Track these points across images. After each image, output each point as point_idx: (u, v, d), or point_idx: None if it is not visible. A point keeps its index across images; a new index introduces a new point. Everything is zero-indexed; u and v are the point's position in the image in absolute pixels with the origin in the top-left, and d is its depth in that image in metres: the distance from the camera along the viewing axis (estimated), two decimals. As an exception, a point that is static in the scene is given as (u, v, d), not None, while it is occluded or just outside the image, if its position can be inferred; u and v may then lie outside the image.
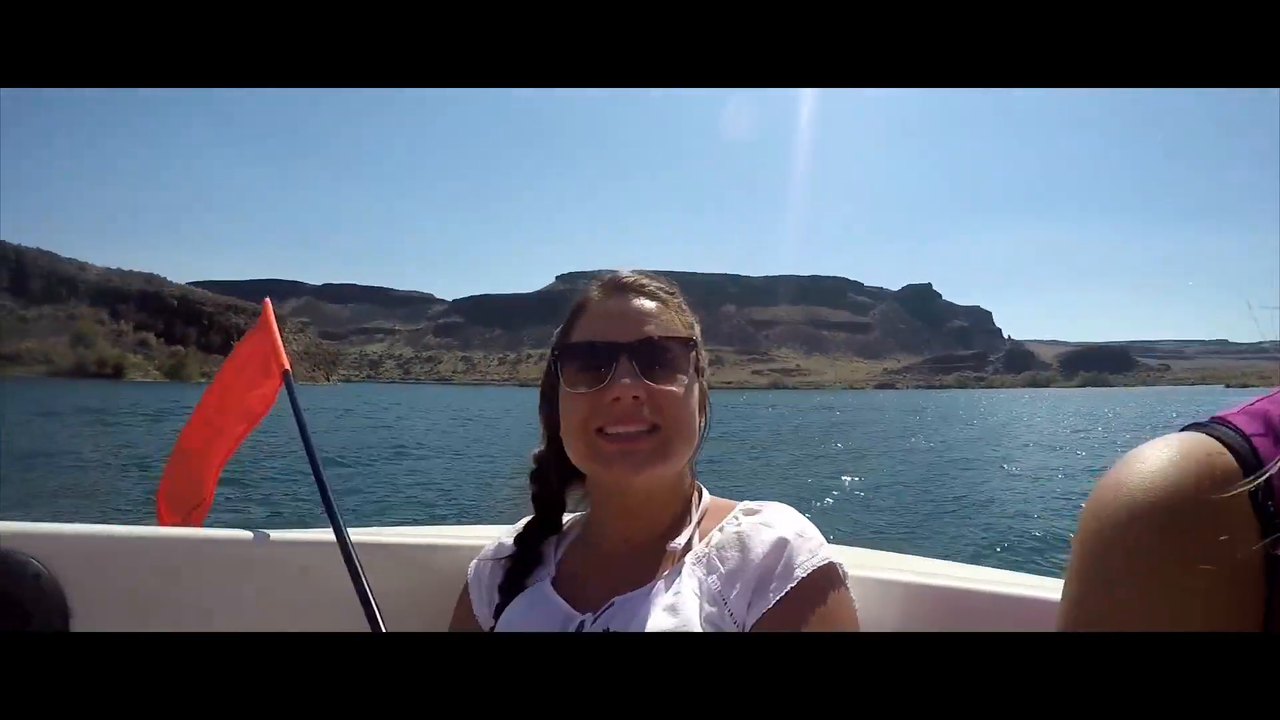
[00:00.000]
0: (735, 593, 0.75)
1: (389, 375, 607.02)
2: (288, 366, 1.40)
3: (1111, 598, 0.47)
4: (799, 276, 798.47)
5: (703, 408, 0.87)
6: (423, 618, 1.11)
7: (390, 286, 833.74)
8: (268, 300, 1.54)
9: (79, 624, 1.06)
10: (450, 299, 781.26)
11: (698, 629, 0.73)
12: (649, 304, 0.85)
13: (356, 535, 1.13)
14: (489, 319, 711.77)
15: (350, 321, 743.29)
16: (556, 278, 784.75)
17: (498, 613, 0.88)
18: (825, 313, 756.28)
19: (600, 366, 0.81)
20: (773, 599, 0.72)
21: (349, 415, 37.82)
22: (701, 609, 0.74)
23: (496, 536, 1.01)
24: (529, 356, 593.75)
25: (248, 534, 1.17)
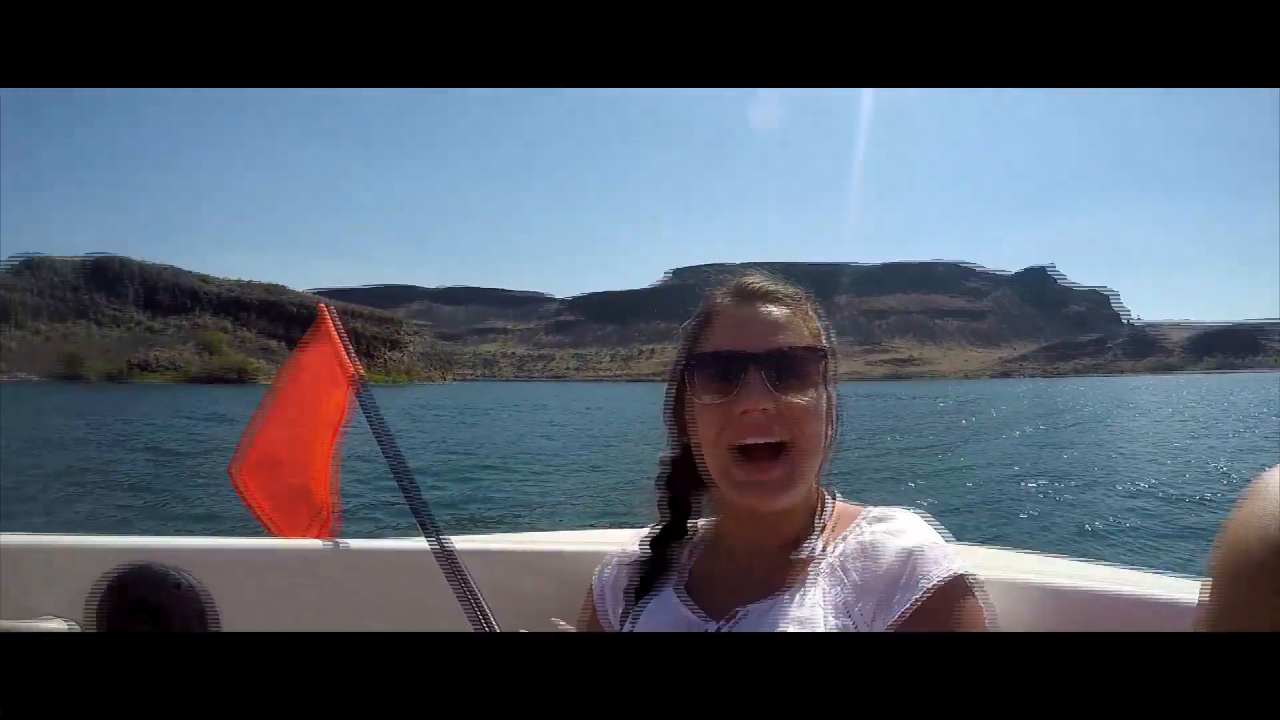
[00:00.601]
0: (861, 605, 0.74)
1: (504, 374, 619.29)
2: (354, 371, 1.36)
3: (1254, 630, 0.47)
4: (911, 264, 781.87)
5: (830, 417, 0.84)
6: (537, 624, 1.10)
7: (504, 287, 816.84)
8: (323, 305, 1.47)
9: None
10: (562, 297, 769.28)
11: None
12: (778, 311, 0.83)
13: (478, 543, 1.16)
14: (602, 315, 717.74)
15: (465, 322, 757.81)
16: (670, 272, 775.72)
17: (623, 618, 0.89)
18: (939, 300, 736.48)
19: (729, 377, 0.79)
20: (897, 611, 0.72)
21: (467, 411, 41.54)
22: (827, 621, 0.74)
23: (614, 542, 1.01)
24: (640, 352, 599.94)
25: (375, 543, 1.19)
